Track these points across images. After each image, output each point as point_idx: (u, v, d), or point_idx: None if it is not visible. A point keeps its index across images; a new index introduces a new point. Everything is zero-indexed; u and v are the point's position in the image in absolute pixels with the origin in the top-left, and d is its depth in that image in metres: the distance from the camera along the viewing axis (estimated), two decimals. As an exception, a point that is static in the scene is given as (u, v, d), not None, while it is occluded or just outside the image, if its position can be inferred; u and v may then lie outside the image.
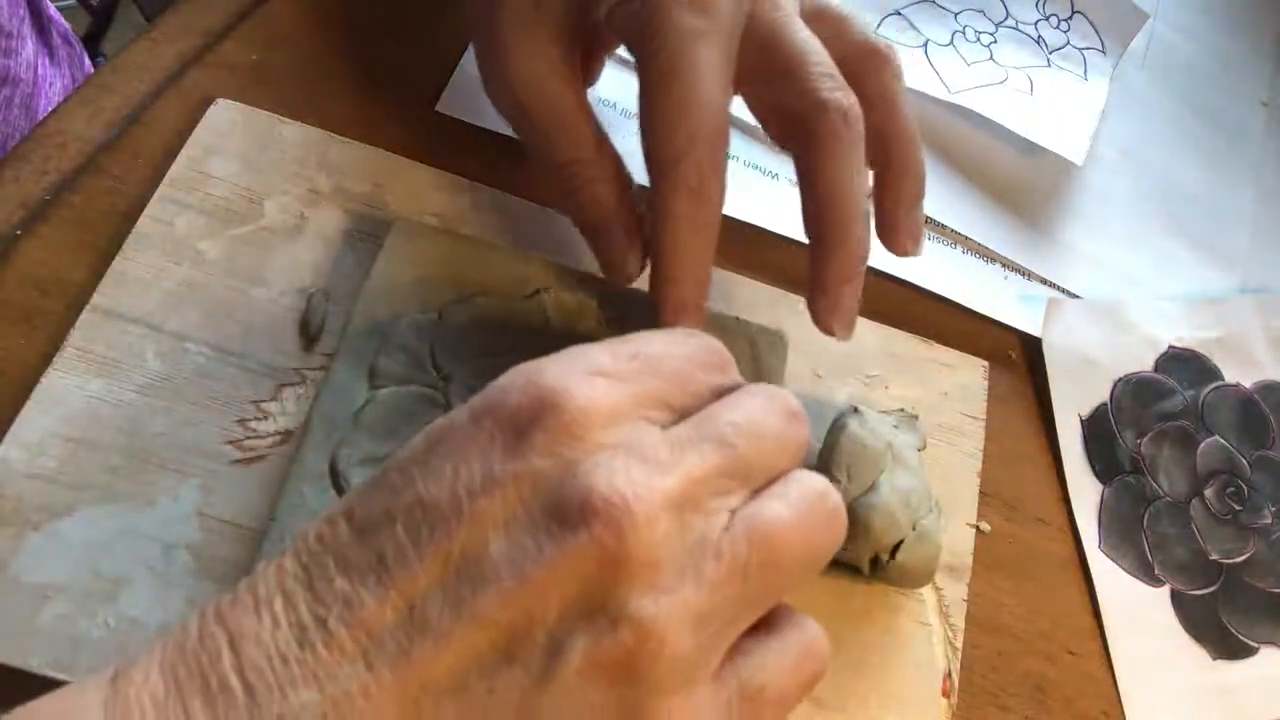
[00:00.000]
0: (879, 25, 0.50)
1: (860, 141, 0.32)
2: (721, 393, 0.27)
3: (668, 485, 0.23)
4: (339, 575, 0.22)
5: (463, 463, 0.23)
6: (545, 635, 0.22)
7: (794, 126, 0.33)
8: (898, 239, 0.36)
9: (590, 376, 0.24)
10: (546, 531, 0.22)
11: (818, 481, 0.26)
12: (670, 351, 0.26)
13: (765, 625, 0.25)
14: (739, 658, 0.24)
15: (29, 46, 0.53)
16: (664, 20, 0.31)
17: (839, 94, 0.32)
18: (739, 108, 0.35)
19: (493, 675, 0.22)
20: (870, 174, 0.35)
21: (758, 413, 0.25)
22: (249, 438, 0.34)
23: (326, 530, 0.23)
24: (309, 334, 0.36)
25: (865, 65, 0.34)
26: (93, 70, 0.64)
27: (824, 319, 0.34)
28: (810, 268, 0.34)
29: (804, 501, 0.25)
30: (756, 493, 0.25)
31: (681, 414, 0.26)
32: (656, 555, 0.22)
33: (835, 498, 0.26)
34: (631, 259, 0.35)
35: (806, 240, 0.34)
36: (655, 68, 0.31)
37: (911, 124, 0.35)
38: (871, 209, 0.35)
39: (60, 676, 0.30)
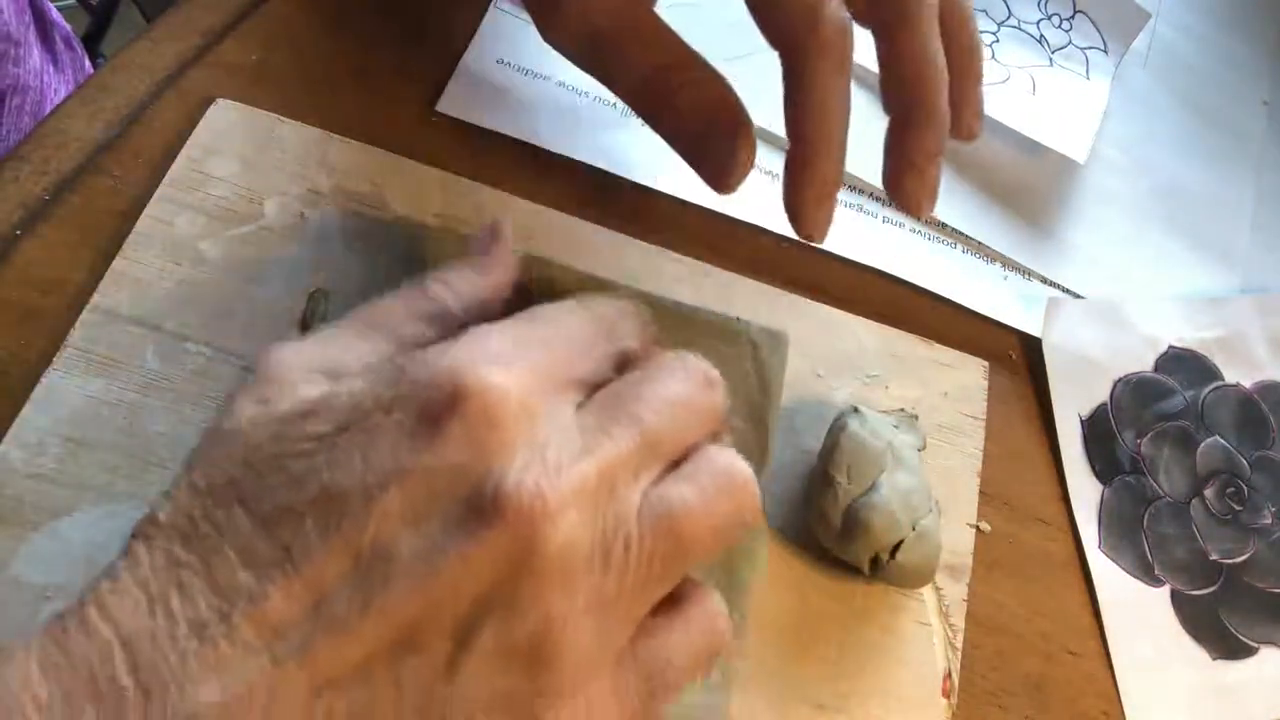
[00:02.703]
0: None
1: (934, 14, 0.32)
2: (623, 358, 0.27)
3: (583, 473, 0.23)
4: (242, 568, 0.22)
5: (373, 453, 0.22)
6: (454, 625, 0.22)
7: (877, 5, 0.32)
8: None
9: (501, 360, 0.24)
10: (459, 524, 0.22)
11: (724, 458, 0.26)
12: (564, 320, 0.26)
13: (668, 601, 0.25)
14: (642, 639, 0.25)
15: (35, 53, 0.53)
16: None
17: None
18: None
19: (399, 666, 0.22)
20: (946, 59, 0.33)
21: (672, 384, 0.26)
22: (249, 438, 0.34)
23: (221, 515, 0.22)
24: (308, 333, 0.36)
25: None
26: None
27: (913, 197, 0.33)
28: (894, 147, 0.33)
29: (712, 483, 0.25)
30: (671, 464, 0.25)
31: (589, 386, 0.26)
32: (568, 547, 0.22)
33: (743, 471, 0.26)
34: (744, 155, 0.33)
35: (886, 115, 0.32)
36: None
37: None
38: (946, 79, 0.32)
39: (60, 676, 0.30)
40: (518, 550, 0.22)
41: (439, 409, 0.23)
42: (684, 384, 0.26)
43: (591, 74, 0.34)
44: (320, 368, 0.25)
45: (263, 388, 0.25)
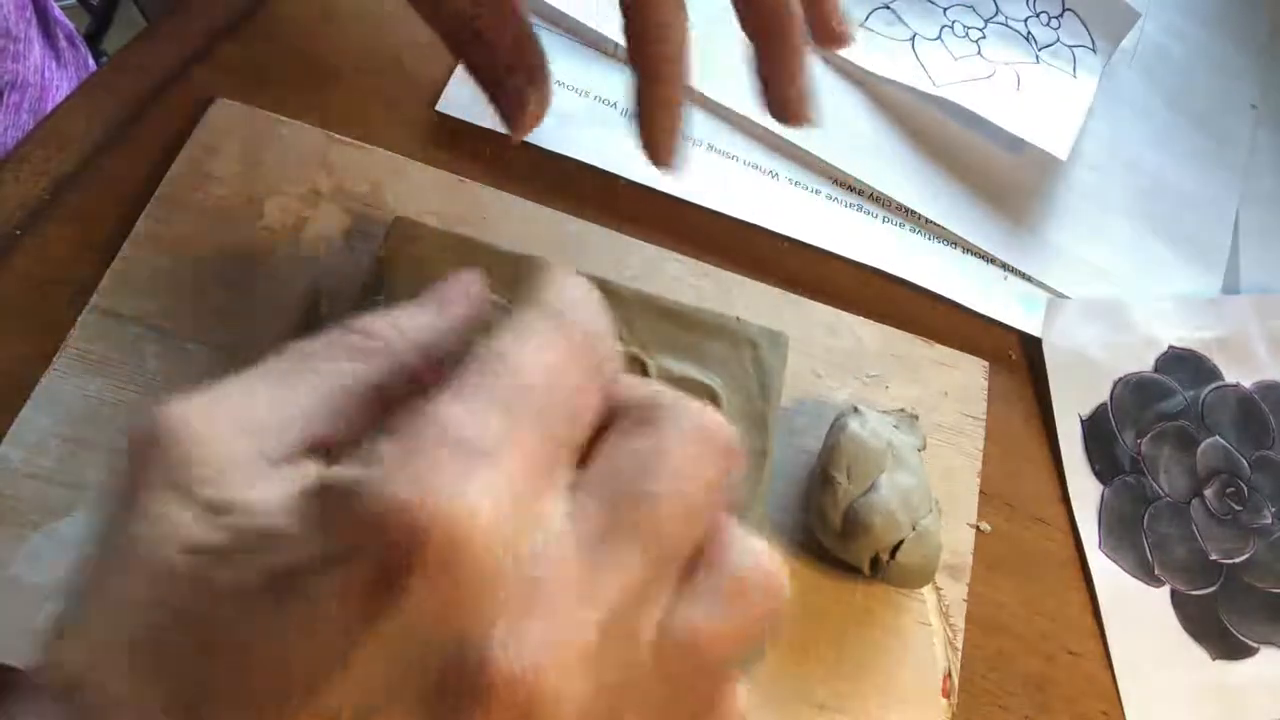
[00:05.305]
0: (867, 18, 0.50)
1: None
2: (615, 402, 0.21)
3: (585, 622, 0.18)
4: None
5: (318, 627, 0.17)
6: None
7: None
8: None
9: (474, 459, 0.18)
10: (433, 712, 0.17)
11: (750, 553, 0.21)
12: (543, 364, 0.20)
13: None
14: None
15: (36, 50, 0.53)
16: None
17: None
18: (734, 102, 0.35)
19: None
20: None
21: (688, 467, 0.20)
22: (249, 438, 0.34)
23: (129, 690, 0.18)
24: (308, 332, 0.36)
25: None
26: (96, 71, 0.63)
27: (794, 114, 0.33)
28: (764, 75, 0.33)
29: (738, 587, 0.20)
30: (684, 572, 0.21)
31: (580, 449, 0.20)
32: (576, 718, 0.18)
33: (772, 558, 0.21)
34: (532, 98, 0.31)
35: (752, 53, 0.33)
36: None
37: None
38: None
39: (60, 676, 0.30)
40: None
41: (394, 565, 0.17)
42: (705, 462, 0.20)
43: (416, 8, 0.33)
44: (241, 428, 0.20)
45: (171, 466, 0.19)
